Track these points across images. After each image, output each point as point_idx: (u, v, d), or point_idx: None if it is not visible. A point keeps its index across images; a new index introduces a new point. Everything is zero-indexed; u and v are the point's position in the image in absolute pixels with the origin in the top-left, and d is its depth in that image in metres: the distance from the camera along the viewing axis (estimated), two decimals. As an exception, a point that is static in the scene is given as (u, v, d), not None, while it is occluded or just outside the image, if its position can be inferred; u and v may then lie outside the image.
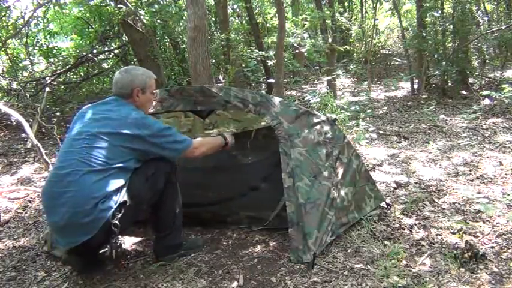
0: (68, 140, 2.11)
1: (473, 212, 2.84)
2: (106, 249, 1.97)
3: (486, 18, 9.80)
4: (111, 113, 2.13)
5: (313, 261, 2.15)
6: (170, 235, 2.34)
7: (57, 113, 7.60)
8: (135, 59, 8.46)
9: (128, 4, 6.71)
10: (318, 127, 2.62)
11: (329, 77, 7.88)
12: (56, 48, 9.81)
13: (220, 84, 8.58)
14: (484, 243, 2.37)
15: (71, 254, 2.10)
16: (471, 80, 8.33)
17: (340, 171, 2.56)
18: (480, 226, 2.60)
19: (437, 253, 2.29)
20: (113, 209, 1.94)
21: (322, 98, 5.89)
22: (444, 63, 7.97)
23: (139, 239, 2.75)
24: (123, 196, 1.99)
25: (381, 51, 14.04)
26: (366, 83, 9.43)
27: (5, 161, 5.27)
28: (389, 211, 2.89)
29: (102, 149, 2.01)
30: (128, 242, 2.68)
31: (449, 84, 8.40)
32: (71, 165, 1.98)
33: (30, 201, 3.69)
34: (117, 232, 1.97)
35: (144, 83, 2.28)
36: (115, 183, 1.98)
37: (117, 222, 1.94)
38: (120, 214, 1.96)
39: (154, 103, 2.60)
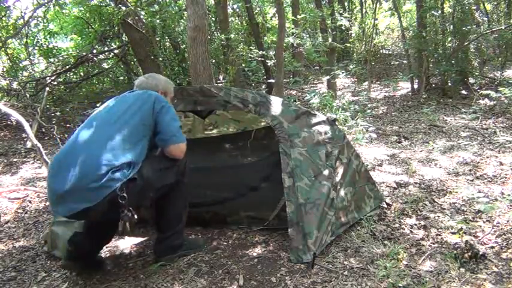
0: (89, 121, 2.11)
1: (473, 212, 2.84)
2: (119, 223, 1.93)
3: (486, 18, 9.80)
4: (134, 97, 2.18)
5: (313, 261, 2.15)
6: (173, 236, 2.33)
7: (57, 113, 7.60)
8: (135, 59, 8.46)
9: (128, 4, 6.71)
10: (318, 127, 2.62)
11: (329, 77, 7.88)
12: (56, 48, 9.81)
13: (220, 84, 8.58)
14: (484, 243, 2.37)
15: (70, 259, 2.09)
16: (471, 80, 8.33)
17: (340, 171, 2.56)
18: (480, 226, 2.60)
19: (437, 253, 2.28)
20: (121, 182, 1.88)
21: (322, 98, 5.90)
22: (444, 63, 7.98)
23: (139, 239, 2.75)
24: (134, 174, 1.94)
25: (381, 51, 14.04)
26: (365, 83, 9.43)
27: (5, 161, 5.27)
28: (389, 211, 2.89)
29: (121, 132, 2.00)
30: (128, 242, 2.68)
31: (449, 84, 8.41)
32: (89, 141, 1.97)
33: (30, 201, 3.69)
34: (125, 204, 1.90)
35: (166, 88, 2.45)
36: (129, 157, 1.94)
37: (124, 194, 1.88)
38: (128, 190, 1.90)
39: None
